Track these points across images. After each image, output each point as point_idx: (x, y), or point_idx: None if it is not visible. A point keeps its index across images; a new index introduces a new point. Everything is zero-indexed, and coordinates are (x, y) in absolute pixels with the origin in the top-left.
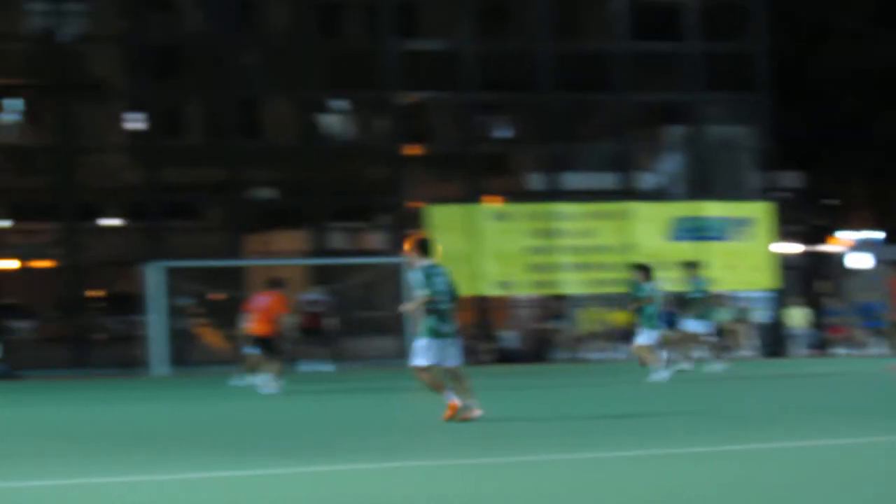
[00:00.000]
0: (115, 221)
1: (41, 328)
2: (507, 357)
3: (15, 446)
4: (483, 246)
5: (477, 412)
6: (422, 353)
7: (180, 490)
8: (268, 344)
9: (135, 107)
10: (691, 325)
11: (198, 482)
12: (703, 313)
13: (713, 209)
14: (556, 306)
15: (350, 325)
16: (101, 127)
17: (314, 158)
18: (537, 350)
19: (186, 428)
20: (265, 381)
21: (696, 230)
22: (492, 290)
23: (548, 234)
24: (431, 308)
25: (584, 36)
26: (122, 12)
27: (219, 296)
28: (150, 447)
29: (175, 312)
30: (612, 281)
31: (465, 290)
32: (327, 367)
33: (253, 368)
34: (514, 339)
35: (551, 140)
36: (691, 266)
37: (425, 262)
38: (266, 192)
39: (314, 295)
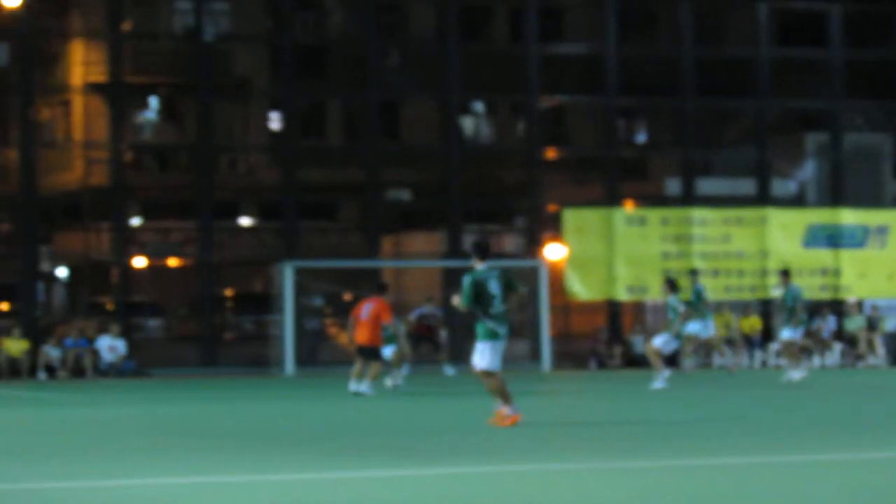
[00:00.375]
0: (250, 221)
1: (172, 326)
2: (636, 361)
3: (140, 443)
4: (617, 250)
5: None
6: (485, 357)
7: (302, 490)
8: (369, 352)
9: (275, 106)
10: (785, 333)
11: (318, 482)
12: (795, 321)
13: (849, 216)
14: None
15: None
16: (241, 126)
17: (452, 160)
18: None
19: (309, 427)
20: (369, 386)
21: (832, 237)
22: (624, 295)
23: (682, 239)
24: (486, 314)
25: (727, 41)
26: (266, 12)
27: (351, 296)
28: (274, 446)
29: (306, 312)
30: (746, 287)
31: (598, 293)
32: (449, 371)
33: (372, 373)
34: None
35: (689, 145)
36: (784, 274)
37: (479, 266)
38: (403, 194)
39: (426, 309)
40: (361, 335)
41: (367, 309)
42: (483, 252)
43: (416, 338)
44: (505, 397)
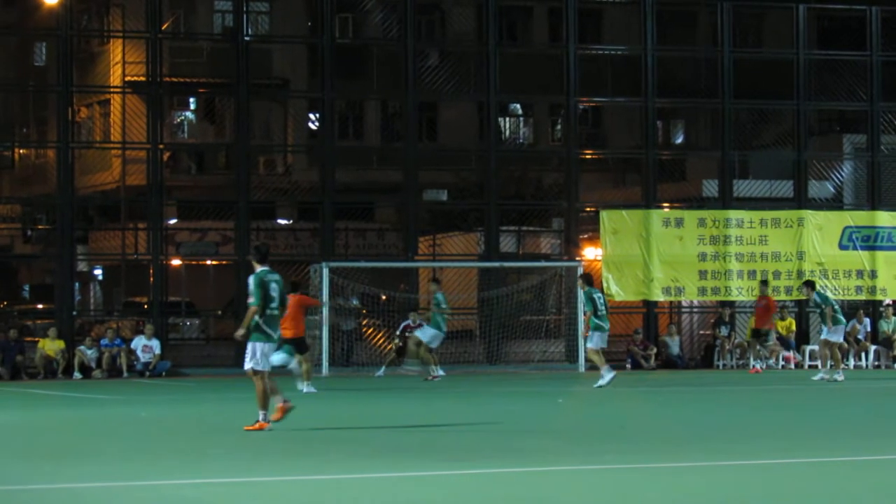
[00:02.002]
0: (287, 221)
1: (207, 326)
2: (671, 363)
3: (173, 444)
4: (653, 251)
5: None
6: (255, 356)
7: (335, 490)
8: (295, 344)
9: (313, 107)
10: (823, 334)
11: (351, 482)
12: (832, 321)
13: (886, 218)
14: (723, 313)
15: (516, 329)
16: (279, 126)
17: (490, 161)
18: (702, 356)
19: (340, 428)
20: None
21: (868, 239)
22: (660, 296)
23: (719, 240)
24: (263, 314)
25: (765, 43)
26: (306, 12)
27: (387, 297)
28: (309, 447)
29: (341, 313)
30: (782, 288)
31: (635, 294)
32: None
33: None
34: (679, 344)
35: (727, 147)
36: (808, 285)
37: (259, 268)
38: (440, 194)
39: (409, 321)
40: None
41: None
42: (262, 255)
43: (402, 348)
44: (263, 402)
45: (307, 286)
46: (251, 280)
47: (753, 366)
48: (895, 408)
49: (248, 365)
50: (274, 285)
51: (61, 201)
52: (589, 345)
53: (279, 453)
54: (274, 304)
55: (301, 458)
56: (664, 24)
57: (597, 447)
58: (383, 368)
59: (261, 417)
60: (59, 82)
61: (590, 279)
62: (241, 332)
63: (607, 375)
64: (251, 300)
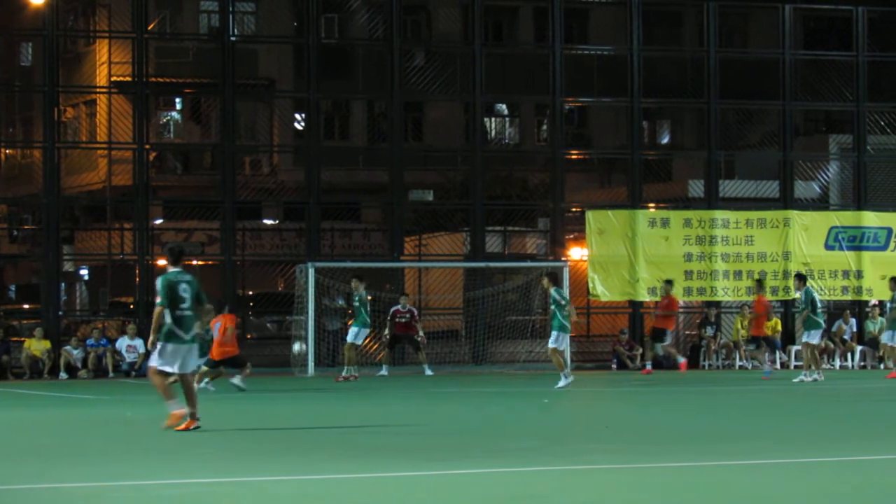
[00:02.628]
0: (273, 221)
1: None
2: (656, 363)
3: (158, 444)
4: (639, 251)
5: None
6: (161, 357)
7: (319, 488)
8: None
9: (299, 107)
10: (804, 337)
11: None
12: (808, 324)
13: (872, 219)
14: (708, 313)
15: (502, 329)
16: (264, 127)
17: (475, 161)
18: (688, 357)
19: (325, 428)
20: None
21: (854, 239)
22: (646, 296)
23: (705, 240)
24: (173, 315)
25: (751, 43)
26: (291, 13)
27: (372, 297)
28: (292, 447)
29: (327, 313)
30: (769, 289)
31: (621, 294)
32: (428, 372)
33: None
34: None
35: (713, 147)
36: (799, 277)
37: (171, 269)
38: (426, 195)
39: (399, 306)
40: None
41: (216, 327)
42: (176, 257)
43: (394, 338)
44: (167, 395)
45: (293, 286)
46: (158, 281)
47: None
48: (878, 409)
49: (152, 363)
50: (184, 286)
51: (47, 201)
52: (553, 344)
53: (264, 453)
54: (185, 305)
55: (285, 457)
56: (650, 24)
57: (582, 447)
58: (385, 368)
59: (174, 410)
60: (45, 82)
61: (556, 278)
62: (151, 337)
63: (566, 379)
64: (157, 300)
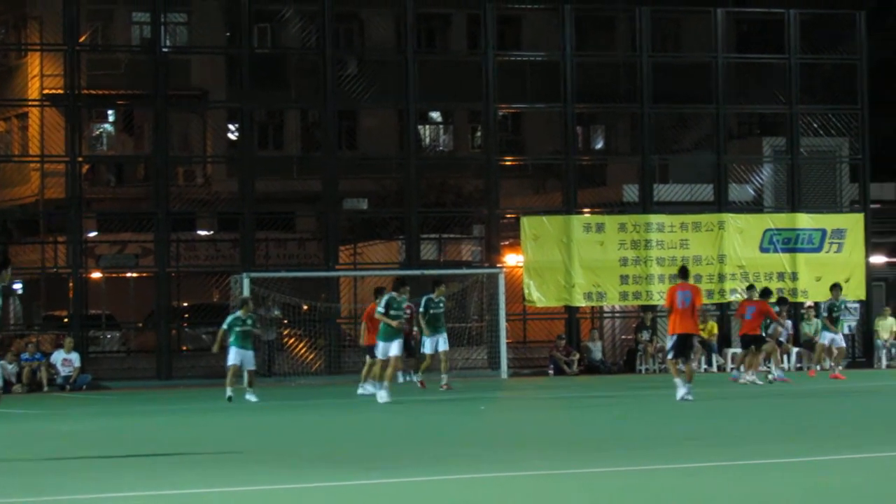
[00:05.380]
0: (207, 232)
1: (128, 339)
2: (593, 368)
3: (94, 457)
4: (574, 256)
5: None
6: None
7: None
8: None
9: (232, 117)
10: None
11: (255, 495)
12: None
13: (806, 221)
14: (644, 317)
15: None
16: (198, 137)
17: (410, 169)
18: (625, 361)
19: (264, 439)
20: None
21: (789, 241)
22: (582, 301)
23: (640, 245)
24: None
25: (684, 47)
26: (223, 23)
27: (308, 307)
28: (230, 458)
29: (263, 324)
30: (704, 292)
31: (556, 300)
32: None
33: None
34: (602, 350)
35: (647, 151)
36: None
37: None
38: (360, 203)
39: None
40: None
41: None
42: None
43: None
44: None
45: (228, 297)
46: None
47: (775, 376)
48: (807, 410)
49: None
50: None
51: None
52: (443, 347)
53: (198, 465)
54: None
55: (221, 468)
56: (583, 29)
57: (519, 453)
58: (420, 374)
59: None
60: None
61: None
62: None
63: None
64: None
